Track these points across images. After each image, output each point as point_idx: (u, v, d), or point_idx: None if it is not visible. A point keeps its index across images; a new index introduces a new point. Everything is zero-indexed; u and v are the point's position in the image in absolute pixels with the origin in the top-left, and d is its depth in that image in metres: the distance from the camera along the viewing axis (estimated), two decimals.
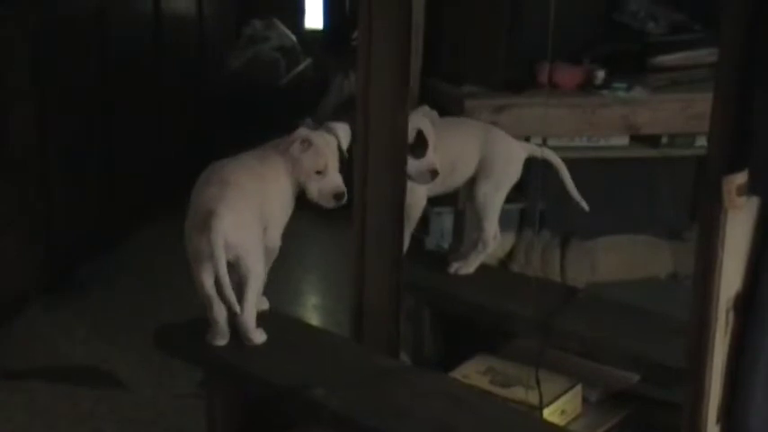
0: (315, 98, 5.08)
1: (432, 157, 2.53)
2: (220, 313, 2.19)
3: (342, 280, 2.91)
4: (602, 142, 3.52)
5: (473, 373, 2.41)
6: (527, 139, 3.58)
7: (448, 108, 3.25)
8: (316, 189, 2.29)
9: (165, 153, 4.52)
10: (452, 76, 3.39)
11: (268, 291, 2.37)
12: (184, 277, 2.25)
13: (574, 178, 2.80)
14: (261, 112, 5.02)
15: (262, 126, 5.21)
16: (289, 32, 5.49)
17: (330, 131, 2.36)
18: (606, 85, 3.35)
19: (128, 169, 4.22)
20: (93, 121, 4.01)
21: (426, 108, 2.65)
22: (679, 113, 3.34)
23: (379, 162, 2.49)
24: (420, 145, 2.52)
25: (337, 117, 4.90)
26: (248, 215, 2.17)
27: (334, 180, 2.30)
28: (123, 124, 4.19)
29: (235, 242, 2.12)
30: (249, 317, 2.20)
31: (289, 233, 2.37)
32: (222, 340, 2.23)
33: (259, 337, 2.24)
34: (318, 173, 2.29)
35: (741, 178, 1.82)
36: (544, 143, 3.68)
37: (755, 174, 1.78)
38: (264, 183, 2.25)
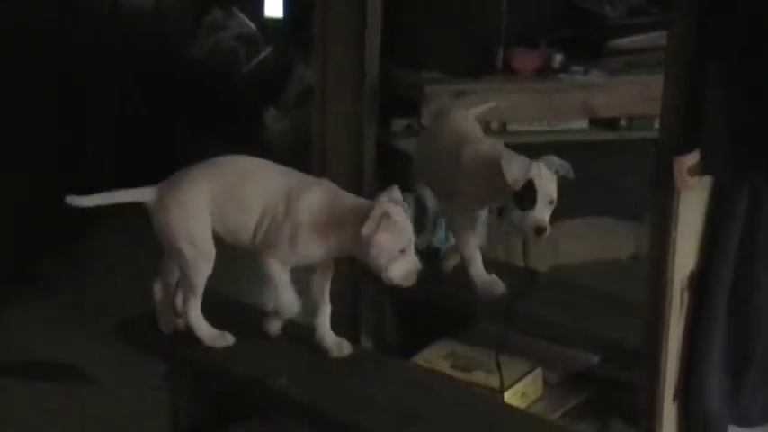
0: (276, 87, 5.07)
1: (540, 211, 2.33)
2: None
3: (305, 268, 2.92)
4: (561, 126, 3.54)
5: (435, 357, 2.42)
6: (487, 125, 3.61)
7: (407, 94, 3.26)
8: (401, 270, 1.99)
9: (126, 144, 4.50)
10: (411, 61, 3.38)
11: (231, 281, 2.35)
12: (151, 270, 2.24)
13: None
14: (221, 102, 5.01)
15: (223, 115, 5.23)
16: (249, 21, 5.47)
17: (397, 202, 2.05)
18: (564, 69, 3.36)
19: (93, 162, 4.20)
20: (49, 113, 3.99)
21: (554, 159, 2.37)
22: (637, 96, 3.36)
23: (338, 150, 2.50)
24: (527, 196, 2.34)
25: (300, 106, 4.93)
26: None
27: (414, 257, 2.01)
28: (82, 116, 4.16)
29: None
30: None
31: None
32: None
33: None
34: (402, 252, 1.99)
35: (692, 159, 1.85)
36: (504, 128, 3.72)
37: (706, 154, 1.81)
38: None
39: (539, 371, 2.40)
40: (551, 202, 2.36)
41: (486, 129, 3.56)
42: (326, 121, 2.74)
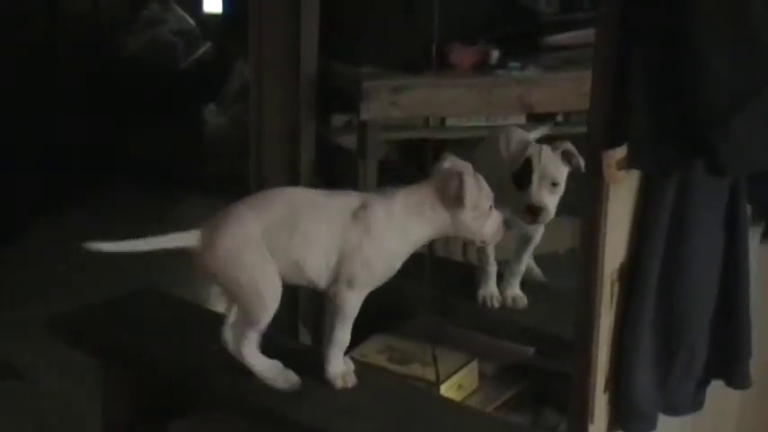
0: (215, 83, 5.04)
1: (536, 191, 2.31)
2: None
3: None
4: (500, 121, 3.56)
5: (371, 352, 2.44)
6: (427, 121, 3.63)
7: (346, 89, 3.26)
8: (494, 226, 2.02)
9: (62, 140, 4.44)
10: (350, 57, 3.39)
11: (174, 279, 2.33)
12: (82, 269, 2.21)
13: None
14: (160, 98, 4.96)
15: (161, 111, 5.19)
16: (187, 15, 5.43)
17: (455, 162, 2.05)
18: (501, 64, 3.38)
19: (24, 160, 4.14)
20: None
21: (566, 144, 2.34)
22: (572, 91, 3.39)
23: (274, 147, 2.50)
24: (524, 175, 2.32)
25: (239, 102, 4.91)
26: None
27: (496, 210, 2.03)
28: (16, 111, 4.11)
29: None
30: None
31: (195, 222, 2.19)
32: None
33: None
34: (490, 207, 2.02)
35: (620, 153, 1.87)
36: (442, 123, 3.74)
37: (633, 148, 1.84)
38: None
39: (474, 363, 2.43)
40: (555, 185, 2.33)
41: (425, 124, 3.61)
42: (262, 118, 2.73)
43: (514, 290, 2.53)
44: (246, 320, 2.02)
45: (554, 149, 2.34)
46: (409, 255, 2.04)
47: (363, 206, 2.01)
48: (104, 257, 2.06)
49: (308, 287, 2.07)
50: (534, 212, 2.33)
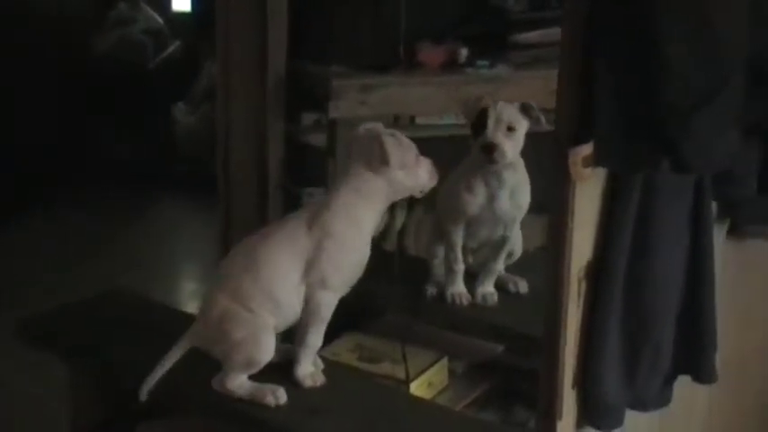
0: (185, 82, 5.02)
1: (491, 131, 2.37)
2: None
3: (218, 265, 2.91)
4: None
5: (342, 350, 2.43)
6: (395, 119, 3.63)
7: (315, 88, 3.26)
8: (426, 172, 2.07)
9: (29, 141, 4.41)
10: (320, 56, 3.39)
11: (146, 281, 2.33)
12: (52, 271, 2.20)
13: (445, 156, 2.82)
14: (129, 97, 4.94)
15: (131, 110, 5.16)
16: (156, 15, 5.40)
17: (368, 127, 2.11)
18: (470, 63, 3.39)
19: None
20: None
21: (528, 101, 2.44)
22: (541, 89, 3.39)
23: (242, 146, 2.49)
24: (481, 123, 2.39)
25: (208, 101, 4.88)
26: None
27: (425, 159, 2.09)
28: None
29: None
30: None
31: (165, 221, 2.24)
32: None
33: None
34: (417, 156, 2.07)
35: (586, 150, 1.88)
36: (412, 121, 3.75)
37: (599, 146, 1.85)
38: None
39: (444, 361, 2.43)
40: (510, 129, 2.39)
41: (395, 122, 3.61)
42: (230, 117, 2.73)
43: (486, 287, 2.55)
44: (246, 370, 2.04)
45: (513, 103, 2.44)
46: (369, 247, 2.06)
47: (313, 215, 2.03)
48: (72, 258, 2.06)
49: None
50: (488, 150, 2.38)
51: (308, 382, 2.07)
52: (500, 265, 2.58)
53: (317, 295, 2.02)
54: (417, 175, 2.05)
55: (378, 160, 2.01)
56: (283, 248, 2.02)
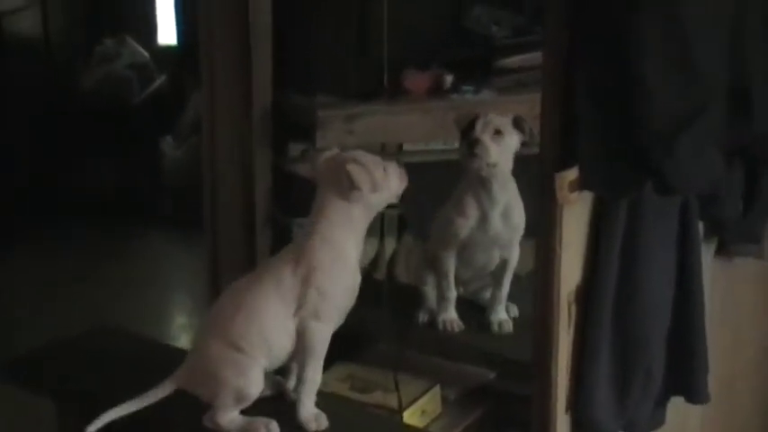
0: (172, 116, 5.02)
1: (479, 132, 2.40)
2: None
3: (206, 297, 2.90)
4: (457, 144, 3.58)
5: (333, 380, 2.42)
6: (383, 147, 3.64)
7: (301, 119, 3.27)
8: (395, 179, 2.04)
9: (17, 176, 4.40)
10: (304, 86, 3.40)
11: (134, 315, 2.31)
12: (37, 307, 2.19)
13: (434, 182, 2.83)
14: (116, 132, 4.94)
15: (118, 145, 5.16)
16: (142, 49, 5.42)
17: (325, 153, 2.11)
18: (455, 88, 3.41)
19: None
20: None
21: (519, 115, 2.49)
22: (526, 113, 3.41)
23: (228, 178, 2.49)
24: (470, 129, 2.43)
25: (196, 134, 4.89)
26: None
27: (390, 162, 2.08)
28: None
29: None
30: None
31: (153, 255, 2.21)
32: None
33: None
34: (384, 169, 2.04)
35: (572, 175, 1.89)
36: (400, 149, 3.75)
37: (584, 170, 1.85)
38: None
39: (437, 389, 2.42)
40: (498, 132, 2.42)
41: (382, 149, 3.61)
42: (216, 148, 2.73)
43: (499, 315, 2.56)
44: (236, 405, 2.02)
45: (504, 115, 2.48)
46: (358, 274, 2.05)
47: (297, 252, 2.03)
48: (58, 294, 2.05)
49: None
50: (471, 145, 2.41)
51: (311, 426, 2.03)
52: (506, 290, 2.58)
53: (310, 328, 2.01)
54: (389, 187, 2.04)
55: (348, 188, 2.00)
56: (271, 289, 2.01)
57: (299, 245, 2.07)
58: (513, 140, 2.45)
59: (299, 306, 2.00)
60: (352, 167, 1.98)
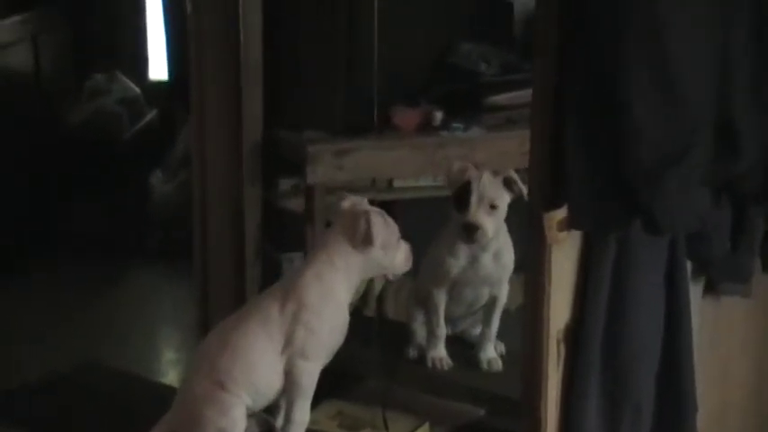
0: (162, 150, 5.02)
1: (474, 210, 2.36)
2: None
3: (196, 332, 2.89)
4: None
5: (322, 418, 2.40)
6: (373, 182, 3.65)
7: (291, 154, 3.28)
8: (403, 257, 2.09)
9: (4, 213, 4.39)
10: (294, 123, 3.42)
11: (123, 349, 2.29)
12: (24, 344, 2.17)
13: (423, 217, 2.84)
14: (106, 167, 4.94)
15: (108, 180, 5.17)
16: (132, 84, 5.42)
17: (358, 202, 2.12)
18: (444, 125, 3.44)
19: None
20: None
21: (508, 171, 2.44)
22: (515, 150, 3.44)
23: (218, 213, 2.49)
24: (463, 197, 2.39)
25: (186, 168, 4.89)
26: None
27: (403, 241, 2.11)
28: None
29: None
30: None
31: (142, 290, 2.20)
32: None
33: None
34: (398, 240, 2.09)
35: (561, 214, 1.90)
36: (390, 185, 3.77)
37: (572, 209, 1.86)
38: None
39: (426, 426, 2.41)
40: (493, 207, 2.39)
41: (372, 185, 3.62)
42: (206, 183, 2.73)
43: (488, 353, 2.57)
44: None
45: (494, 175, 2.42)
46: (347, 314, 2.06)
47: (286, 288, 2.04)
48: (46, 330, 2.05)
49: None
50: (470, 230, 2.38)
51: None
52: (495, 328, 2.58)
53: (297, 366, 2.01)
54: (395, 257, 2.07)
55: (361, 237, 2.01)
56: (258, 326, 2.01)
57: (289, 280, 2.07)
58: (504, 204, 2.43)
59: (287, 344, 2.00)
60: (375, 219, 2.01)
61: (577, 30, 1.79)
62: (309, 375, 2.02)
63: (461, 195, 2.40)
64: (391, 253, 2.06)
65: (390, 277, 2.13)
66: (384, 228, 2.03)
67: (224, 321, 2.10)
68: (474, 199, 2.38)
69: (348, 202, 2.09)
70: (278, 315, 2.00)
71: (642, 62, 1.77)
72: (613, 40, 1.77)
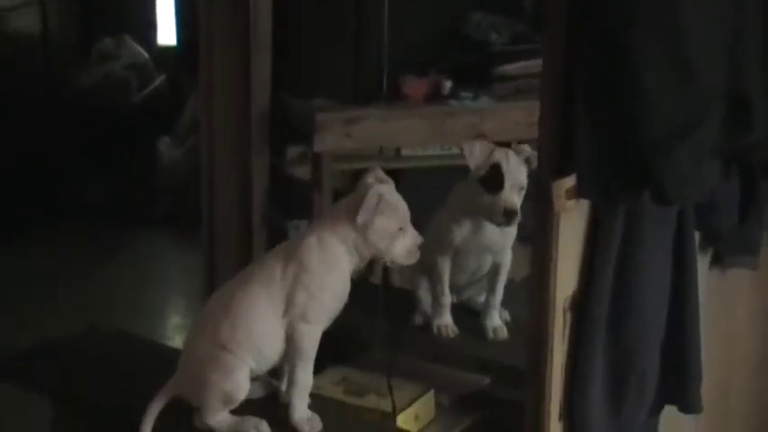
0: (170, 116, 5.02)
1: (509, 194, 2.38)
2: None
3: (203, 298, 2.89)
4: (454, 150, 3.59)
5: (327, 384, 2.42)
6: (380, 151, 3.64)
7: (299, 122, 3.27)
8: (402, 249, 2.03)
9: (11, 177, 4.40)
10: (303, 90, 3.41)
11: (130, 314, 2.30)
12: (33, 308, 2.18)
13: (431, 187, 2.83)
14: (114, 132, 4.94)
15: (116, 145, 5.17)
16: (141, 49, 5.41)
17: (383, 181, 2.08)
18: (453, 95, 3.42)
19: None
20: None
21: (524, 148, 2.46)
22: (524, 120, 3.43)
23: (226, 179, 2.49)
24: (495, 180, 2.39)
25: (194, 134, 4.89)
26: None
27: (415, 235, 2.05)
28: None
29: None
30: None
31: (151, 255, 2.21)
32: None
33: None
34: (401, 230, 2.03)
35: (569, 182, 1.89)
36: (398, 153, 3.76)
37: (580, 178, 1.86)
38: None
39: (431, 394, 2.42)
40: (522, 189, 2.41)
41: (380, 153, 3.62)
42: (214, 150, 2.73)
43: (494, 321, 2.57)
44: (223, 406, 2.02)
45: (518, 154, 2.43)
46: (348, 281, 2.05)
47: (289, 251, 2.04)
48: (55, 294, 2.06)
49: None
50: (510, 216, 2.39)
51: (306, 429, 2.04)
52: (500, 296, 2.59)
53: (298, 330, 2.01)
54: (393, 245, 2.02)
55: (354, 214, 2.00)
56: (260, 288, 2.02)
57: (292, 243, 2.07)
58: (526, 183, 2.44)
59: (288, 306, 2.00)
60: (371, 198, 1.98)
61: (589, 1, 1.78)
62: (310, 338, 2.03)
63: (492, 177, 2.40)
64: (388, 240, 2.01)
65: (388, 263, 2.08)
66: (372, 208, 1.98)
67: (227, 283, 2.10)
68: (508, 184, 2.39)
69: (372, 177, 2.07)
70: (280, 277, 2.01)
71: (655, 34, 1.76)
72: (626, 12, 1.76)
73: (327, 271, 2.01)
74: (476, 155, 2.43)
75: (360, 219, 1.98)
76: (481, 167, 2.42)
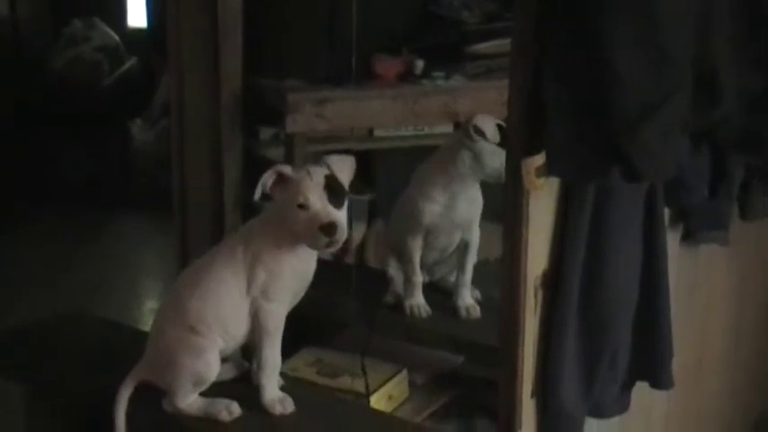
0: (142, 98, 4.99)
1: None
2: None
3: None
4: (426, 130, 3.58)
5: (301, 365, 2.42)
6: (352, 131, 3.63)
7: (271, 102, 3.25)
8: (301, 225, 1.93)
9: None
10: (275, 71, 3.39)
11: (104, 300, 2.29)
12: (5, 293, 2.16)
13: (403, 167, 2.83)
14: (84, 114, 4.90)
15: (87, 128, 5.13)
16: (111, 32, 5.37)
17: (323, 163, 2.00)
18: (426, 74, 3.41)
19: None
20: None
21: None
22: (497, 99, 3.41)
23: (197, 161, 2.48)
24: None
25: (166, 116, 4.86)
26: None
27: (320, 212, 1.92)
28: None
29: None
30: None
31: (124, 239, 2.20)
32: None
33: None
34: (300, 206, 1.93)
35: (539, 160, 1.89)
36: (370, 134, 3.75)
37: (550, 156, 1.86)
38: None
39: (404, 373, 2.42)
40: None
41: (352, 134, 3.61)
42: (185, 131, 2.71)
43: (466, 300, 2.58)
44: (193, 389, 2.02)
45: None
46: (310, 261, 2.04)
47: (251, 229, 2.04)
48: (27, 279, 2.05)
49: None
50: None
51: (277, 409, 2.03)
52: (470, 274, 2.59)
53: (262, 308, 2.01)
54: (295, 224, 1.94)
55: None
56: (224, 268, 2.01)
57: (253, 223, 2.07)
58: None
59: (250, 284, 2.00)
60: (286, 166, 1.97)
61: None
62: (274, 317, 2.02)
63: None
64: (292, 219, 1.93)
65: (314, 247, 1.99)
66: (264, 183, 1.94)
67: (190, 266, 2.10)
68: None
69: (330, 157, 2.03)
70: (242, 256, 2.00)
71: (626, 10, 1.76)
72: None
73: (285, 246, 2.00)
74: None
75: (255, 195, 1.96)
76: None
